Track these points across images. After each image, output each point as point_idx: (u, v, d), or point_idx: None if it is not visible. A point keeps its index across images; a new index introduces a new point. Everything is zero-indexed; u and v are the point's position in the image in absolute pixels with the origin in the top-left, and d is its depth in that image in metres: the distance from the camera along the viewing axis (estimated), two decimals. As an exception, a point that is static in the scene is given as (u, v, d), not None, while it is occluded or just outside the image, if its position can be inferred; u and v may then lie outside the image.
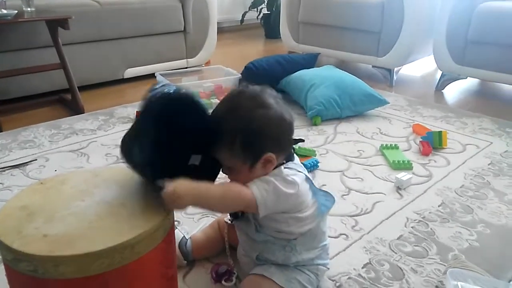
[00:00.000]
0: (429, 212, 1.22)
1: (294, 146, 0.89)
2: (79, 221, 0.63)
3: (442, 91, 2.46)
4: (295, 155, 0.89)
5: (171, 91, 0.70)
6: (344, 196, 1.31)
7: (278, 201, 0.78)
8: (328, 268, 0.94)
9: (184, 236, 1.01)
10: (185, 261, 0.99)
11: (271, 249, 0.86)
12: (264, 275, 0.84)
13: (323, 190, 0.92)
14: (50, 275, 0.57)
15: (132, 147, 0.72)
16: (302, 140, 0.92)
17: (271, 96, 0.81)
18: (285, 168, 0.82)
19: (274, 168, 0.81)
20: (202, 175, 0.73)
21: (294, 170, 0.83)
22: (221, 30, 3.76)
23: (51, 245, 0.58)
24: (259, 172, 0.80)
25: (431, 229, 1.15)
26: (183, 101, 0.72)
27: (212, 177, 0.81)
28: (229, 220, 0.99)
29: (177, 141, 0.70)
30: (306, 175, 0.84)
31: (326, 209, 0.87)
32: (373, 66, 2.67)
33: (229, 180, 0.84)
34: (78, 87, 2.05)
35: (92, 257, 0.57)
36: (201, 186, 0.72)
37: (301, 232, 0.83)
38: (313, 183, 0.86)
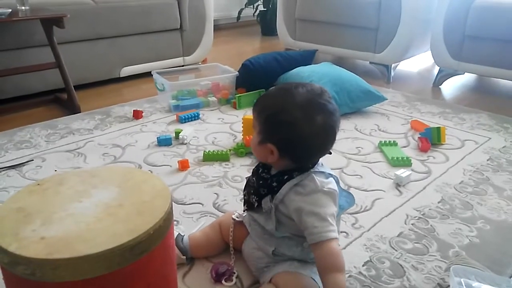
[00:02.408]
0: (429, 209, 1.22)
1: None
2: (77, 222, 0.62)
3: (440, 87, 2.46)
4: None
5: None
6: (344, 194, 1.30)
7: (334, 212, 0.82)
8: None
9: (179, 233, 1.01)
10: (184, 257, 0.97)
11: (288, 244, 0.86)
12: (289, 271, 0.84)
13: (346, 191, 0.92)
14: (48, 278, 0.56)
15: None
16: (329, 152, 0.92)
17: (316, 108, 0.80)
18: (314, 173, 0.82)
19: (302, 172, 0.82)
20: None
21: (323, 176, 0.83)
22: (217, 28, 3.74)
23: (49, 248, 0.56)
24: (264, 153, 0.84)
25: (431, 225, 1.14)
26: None
27: None
28: (237, 217, 0.98)
29: None
30: (335, 177, 0.85)
31: (341, 211, 0.88)
32: (370, 63, 2.67)
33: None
34: (74, 86, 2.03)
35: (91, 260, 0.56)
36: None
37: None
38: (339, 184, 0.86)
